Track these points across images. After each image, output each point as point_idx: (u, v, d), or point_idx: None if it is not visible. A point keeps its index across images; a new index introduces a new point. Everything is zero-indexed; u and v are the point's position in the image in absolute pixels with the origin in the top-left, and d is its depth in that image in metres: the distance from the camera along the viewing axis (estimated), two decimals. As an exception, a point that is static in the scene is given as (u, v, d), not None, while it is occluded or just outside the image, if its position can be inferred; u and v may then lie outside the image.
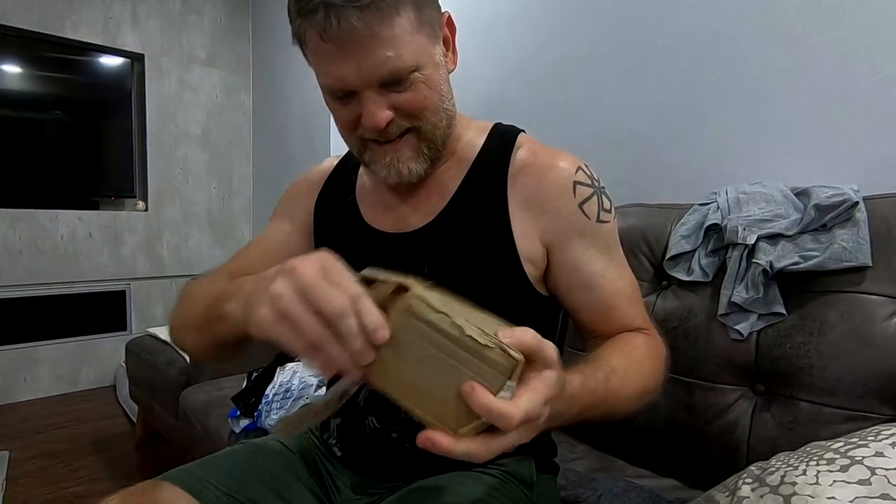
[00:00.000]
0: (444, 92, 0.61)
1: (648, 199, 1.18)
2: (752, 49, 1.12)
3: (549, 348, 0.38)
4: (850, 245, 0.80)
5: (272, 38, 2.84)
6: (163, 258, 2.88)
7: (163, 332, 1.90)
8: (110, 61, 2.69)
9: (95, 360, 2.70)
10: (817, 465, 0.51)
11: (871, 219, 0.82)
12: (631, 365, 0.57)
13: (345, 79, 0.55)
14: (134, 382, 1.91)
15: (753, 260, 0.87)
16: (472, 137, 0.69)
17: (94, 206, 2.68)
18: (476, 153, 0.68)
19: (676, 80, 1.26)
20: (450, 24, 0.63)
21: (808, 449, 0.57)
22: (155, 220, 2.84)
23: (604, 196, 0.66)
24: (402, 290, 0.38)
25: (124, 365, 2.33)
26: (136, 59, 2.75)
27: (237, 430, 1.07)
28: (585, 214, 0.63)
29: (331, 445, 0.75)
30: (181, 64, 2.87)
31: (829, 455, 0.52)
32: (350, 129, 0.60)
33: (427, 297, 0.37)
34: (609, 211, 0.66)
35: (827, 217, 0.84)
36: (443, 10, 0.61)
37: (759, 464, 0.60)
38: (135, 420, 2.09)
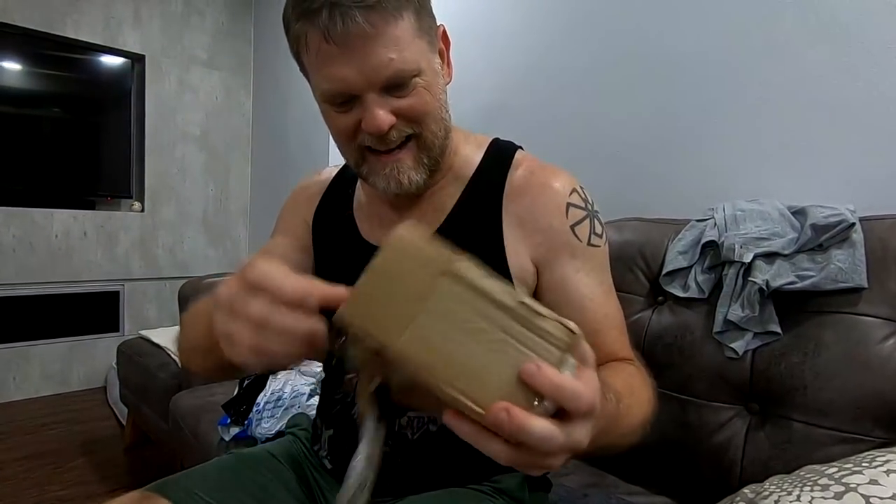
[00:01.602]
0: (442, 101, 0.61)
1: (644, 214, 1.18)
2: (750, 66, 1.13)
3: (589, 347, 0.34)
4: (846, 266, 0.80)
5: (274, 41, 2.84)
6: (157, 259, 2.86)
7: (155, 335, 1.88)
8: (110, 60, 2.68)
9: (87, 361, 2.67)
10: (811, 490, 0.51)
11: (867, 240, 0.82)
12: (633, 392, 0.55)
13: (347, 81, 0.54)
14: (125, 385, 1.89)
15: (750, 278, 0.87)
16: (470, 153, 0.69)
17: (90, 206, 2.67)
18: (473, 170, 0.68)
19: (674, 95, 1.26)
20: (444, 37, 0.63)
21: (802, 473, 0.57)
22: (150, 220, 2.83)
23: (596, 220, 0.65)
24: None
25: (115, 367, 2.31)
26: (137, 60, 2.74)
27: (227, 438, 1.06)
28: (577, 236, 0.63)
29: (321, 458, 0.74)
30: (181, 64, 2.87)
31: (823, 481, 0.51)
32: (349, 137, 0.59)
33: (474, 264, 0.32)
34: (600, 236, 0.65)
35: (823, 237, 0.85)
36: (438, 24, 0.61)
37: (753, 486, 0.60)
38: (124, 423, 2.07)
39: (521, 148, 0.70)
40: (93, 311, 2.68)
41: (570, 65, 1.49)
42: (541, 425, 0.30)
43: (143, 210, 2.81)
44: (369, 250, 0.69)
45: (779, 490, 0.54)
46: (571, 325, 0.31)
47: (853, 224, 0.83)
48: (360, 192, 0.75)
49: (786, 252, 0.88)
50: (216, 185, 3.04)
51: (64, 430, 2.16)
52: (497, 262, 0.62)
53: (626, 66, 1.36)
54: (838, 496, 0.48)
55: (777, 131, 1.09)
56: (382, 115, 0.55)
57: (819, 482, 0.52)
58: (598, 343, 0.62)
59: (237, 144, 3.09)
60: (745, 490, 0.59)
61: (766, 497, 0.54)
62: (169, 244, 2.89)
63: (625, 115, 1.36)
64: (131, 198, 2.78)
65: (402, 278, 0.32)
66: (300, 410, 1.00)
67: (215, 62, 2.98)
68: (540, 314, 0.31)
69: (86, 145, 2.64)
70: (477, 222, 0.64)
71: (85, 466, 1.84)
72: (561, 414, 0.31)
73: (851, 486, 0.48)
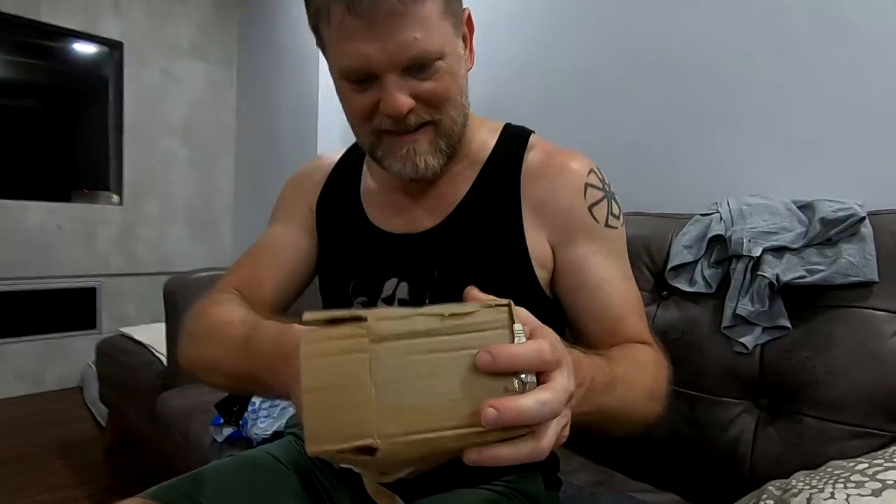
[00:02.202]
0: (463, 87, 0.59)
1: (647, 208, 1.17)
2: (757, 62, 1.12)
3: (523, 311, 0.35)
4: (856, 260, 0.80)
5: (260, 32, 2.77)
6: (138, 254, 2.77)
7: (137, 332, 1.81)
8: (88, 48, 2.58)
9: (62, 360, 2.57)
10: (845, 487, 0.49)
11: (876, 234, 0.82)
12: (638, 367, 0.54)
13: (368, 58, 0.51)
14: (105, 384, 1.82)
15: (759, 272, 0.86)
16: (485, 138, 0.68)
17: (66, 198, 2.57)
18: (488, 154, 0.66)
19: (677, 91, 1.26)
20: (469, 21, 0.61)
21: (829, 470, 0.55)
22: (131, 214, 2.73)
23: (613, 201, 0.65)
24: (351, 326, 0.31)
25: (93, 365, 2.23)
26: (115, 48, 2.65)
27: (220, 439, 1.01)
28: (594, 217, 0.62)
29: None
30: (164, 54, 2.78)
31: (855, 477, 0.50)
32: (364, 118, 0.57)
33: (385, 314, 0.31)
34: (618, 217, 0.64)
35: (832, 231, 0.84)
36: (464, 7, 0.59)
37: (777, 484, 0.58)
38: (104, 424, 1.99)
39: (533, 132, 0.69)
40: (69, 308, 2.58)
41: (571, 58, 1.47)
42: (529, 398, 0.30)
43: (121, 203, 2.71)
44: (379, 236, 0.67)
45: (808, 487, 0.53)
46: (497, 299, 0.32)
47: (863, 218, 0.82)
48: (367, 177, 0.72)
49: (794, 246, 0.87)
50: (200, 179, 2.96)
51: (40, 432, 2.07)
52: (517, 246, 0.61)
53: (630, 62, 1.34)
54: (876, 493, 0.47)
55: (782, 128, 1.09)
56: (402, 98, 0.53)
57: (851, 479, 0.50)
58: (616, 328, 0.61)
59: (222, 138, 3.02)
60: (771, 487, 0.58)
61: (795, 494, 0.53)
62: (150, 239, 2.81)
63: (627, 110, 1.35)
64: (109, 190, 2.68)
65: (335, 379, 0.30)
66: (298, 409, 0.96)
67: (200, 53, 2.90)
68: (466, 313, 0.31)
69: (61, 136, 2.54)
70: (494, 206, 0.63)
71: (64, 470, 1.77)
72: (538, 377, 0.32)
73: (889, 482, 0.47)
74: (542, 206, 0.62)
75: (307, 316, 0.31)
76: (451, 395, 0.30)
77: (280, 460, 0.70)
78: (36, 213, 2.45)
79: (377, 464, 0.33)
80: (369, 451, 0.29)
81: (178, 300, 1.43)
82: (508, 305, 0.32)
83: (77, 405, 2.36)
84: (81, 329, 2.63)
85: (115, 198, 2.71)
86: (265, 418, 0.96)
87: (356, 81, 0.54)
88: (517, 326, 0.32)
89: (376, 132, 0.57)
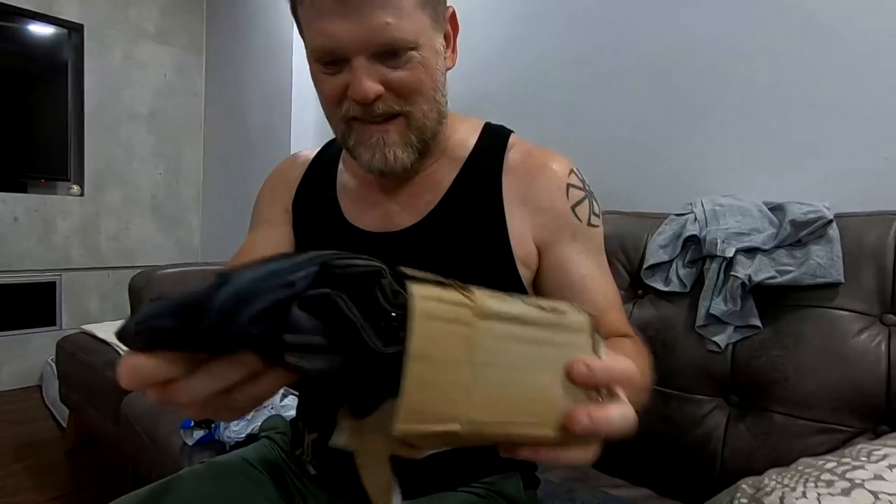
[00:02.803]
0: (438, 83, 0.58)
1: (621, 207, 1.18)
2: (732, 64, 1.15)
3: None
4: (824, 261, 0.82)
5: (229, 16, 2.68)
6: (100, 247, 2.66)
7: (100, 330, 1.74)
8: (43, 30, 2.44)
9: (19, 358, 2.45)
10: (815, 486, 0.51)
11: (842, 237, 0.84)
12: (636, 358, 0.53)
13: (339, 39, 0.51)
14: (65, 383, 1.74)
15: (732, 273, 0.88)
16: (464, 136, 0.67)
17: (21, 189, 2.44)
18: (468, 152, 0.66)
19: (653, 90, 1.27)
20: (453, 20, 0.61)
21: (800, 468, 0.57)
22: (92, 205, 2.61)
23: (594, 201, 0.66)
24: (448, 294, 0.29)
25: (51, 363, 2.13)
26: (75, 30, 2.51)
27: (190, 442, 0.98)
28: (577, 217, 0.63)
29: (304, 463, 0.70)
30: (127, 38, 2.66)
31: (826, 476, 0.52)
32: (335, 103, 0.56)
33: (487, 290, 0.30)
34: (598, 216, 0.65)
35: (802, 233, 0.87)
36: (448, 5, 0.58)
37: (750, 482, 0.60)
38: (65, 424, 1.91)
39: (512, 132, 0.69)
40: (26, 304, 2.46)
41: (548, 54, 1.47)
42: (616, 412, 0.31)
43: (82, 194, 2.59)
44: (355, 234, 0.65)
45: (780, 485, 0.54)
46: (582, 307, 0.32)
47: (831, 221, 0.85)
48: (343, 174, 0.71)
49: (766, 247, 0.89)
50: (166, 169, 2.85)
51: (-5, 432, 1.98)
52: (500, 244, 0.61)
53: (608, 60, 1.35)
54: (846, 492, 0.48)
55: (755, 129, 1.12)
56: (369, 83, 0.52)
57: (822, 478, 0.52)
58: (601, 324, 0.60)
59: (189, 126, 2.91)
60: (744, 485, 0.59)
61: (768, 493, 0.54)
62: (113, 231, 2.69)
63: (604, 108, 1.36)
64: (69, 180, 2.56)
65: (439, 350, 0.27)
66: (273, 411, 0.94)
67: (165, 37, 2.78)
68: (561, 310, 0.30)
69: (15, 122, 2.39)
70: (476, 201, 0.62)
71: (22, 473, 1.69)
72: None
73: (857, 481, 0.49)
74: (526, 202, 0.62)
75: (410, 271, 0.29)
76: (539, 390, 0.29)
77: (255, 465, 0.68)
78: (-11, 204, 2.32)
79: (390, 446, 0.31)
80: (449, 434, 0.28)
81: (144, 297, 1.38)
82: (593, 315, 0.32)
83: (36, 404, 2.26)
84: (40, 326, 2.51)
85: (76, 188, 2.58)
86: (238, 421, 0.93)
87: (327, 63, 0.54)
88: (598, 338, 0.32)
89: (346, 120, 0.57)
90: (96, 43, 2.55)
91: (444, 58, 0.59)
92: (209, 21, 2.88)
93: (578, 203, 0.63)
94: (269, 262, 0.26)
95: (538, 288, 0.64)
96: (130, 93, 2.69)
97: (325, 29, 0.51)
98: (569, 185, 0.63)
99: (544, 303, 0.30)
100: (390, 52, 0.52)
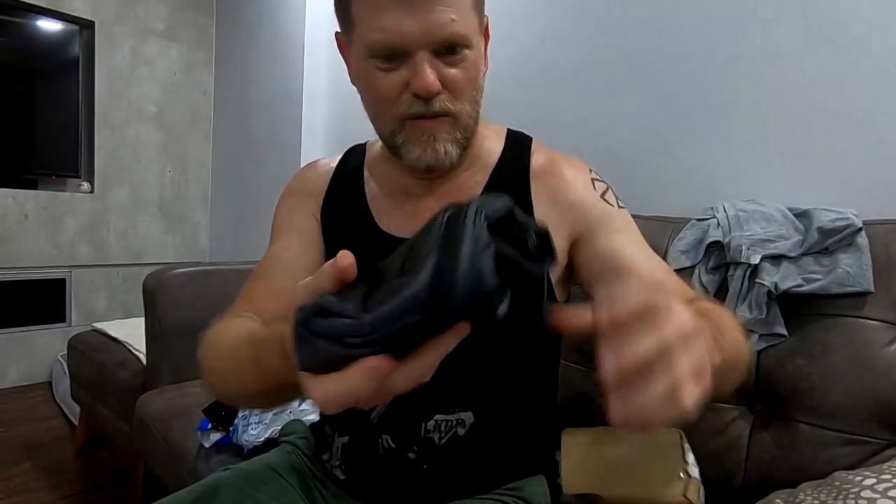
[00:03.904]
0: (480, 85, 0.61)
1: (638, 211, 1.17)
2: (751, 68, 1.13)
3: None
4: (853, 270, 0.81)
5: (238, 14, 2.67)
6: (108, 245, 2.66)
7: (112, 328, 1.74)
8: (53, 26, 2.44)
9: (27, 355, 2.46)
10: (856, 503, 0.50)
11: (870, 244, 0.83)
12: (718, 312, 0.49)
13: (403, 33, 0.52)
14: (76, 382, 1.74)
15: (757, 280, 0.87)
16: (492, 143, 0.69)
17: (32, 185, 2.44)
18: (496, 158, 0.68)
19: (671, 94, 1.26)
20: (486, 30, 0.63)
21: (836, 483, 0.56)
22: (101, 202, 2.62)
23: (615, 192, 0.69)
24: None
25: (62, 360, 2.14)
26: (86, 27, 2.51)
27: (207, 444, 0.98)
28: (608, 202, 0.66)
29: (331, 468, 0.69)
30: (136, 35, 2.65)
31: (866, 494, 0.51)
32: (391, 101, 0.56)
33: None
34: (623, 204, 0.68)
35: (830, 241, 0.85)
36: (486, 14, 0.61)
37: (784, 496, 0.59)
38: (75, 422, 1.91)
39: (532, 138, 0.72)
40: (35, 301, 2.46)
41: (565, 56, 1.46)
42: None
43: (92, 191, 2.59)
44: (389, 241, 0.65)
45: (817, 501, 0.54)
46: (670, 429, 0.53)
47: (860, 229, 0.84)
48: (370, 183, 0.71)
49: (792, 254, 0.88)
50: (174, 168, 2.85)
51: (3, 430, 1.98)
52: None
53: (625, 63, 1.34)
54: (890, 511, 0.47)
55: (776, 134, 1.10)
56: (434, 75, 0.53)
57: (863, 495, 0.51)
58: (667, 291, 0.55)
59: (197, 124, 2.90)
60: (778, 500, 0.58)
61: (805, 509, 0.53)
62: (121, 229, 2.69)
63: (621, 112, 1.35)
64: (79, 177, 2.56)
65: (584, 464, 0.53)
66: (292, 416, 0.93)
67: (174, 35, 2.77)
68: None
69: (25, 118, 2.40)
70: None
71: (31, 471, 1.69)
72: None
73: (901, 500, 0.48)
74: (556, 202, 0.64)
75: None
76: (642, 475, 0.50)
77: (280, 473, 0.68)
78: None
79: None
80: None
81: (157, 297, 1.37)
82: (679, 431, 0.48)
83: (44, 402, 2.26)
84: (50, 322, 2.51)
85: (86, 185, 2.58)
86: (256, 425, 0.92)
87: (385, 59, 0.54)
88: (688, 449, 0.48)
89: (399, 118, 0.57)
90: (105, 40, 2.55)
91: (483, 61, 0.62)
92: (218, 18, 2.87)
93: (605, 192, 0.67)
94: (448, 229, 0.27)
95: (587, 283, 0.64)
96: (138, 90, 2.68)
97: (388, 24, 0.52)
98: (593, 180, 0.67)
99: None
100: (451, 48, 0.54)
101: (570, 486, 0.52)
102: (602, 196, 0.66)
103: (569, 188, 0.65)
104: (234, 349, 0.49)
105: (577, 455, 0.52)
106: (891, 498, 0.49)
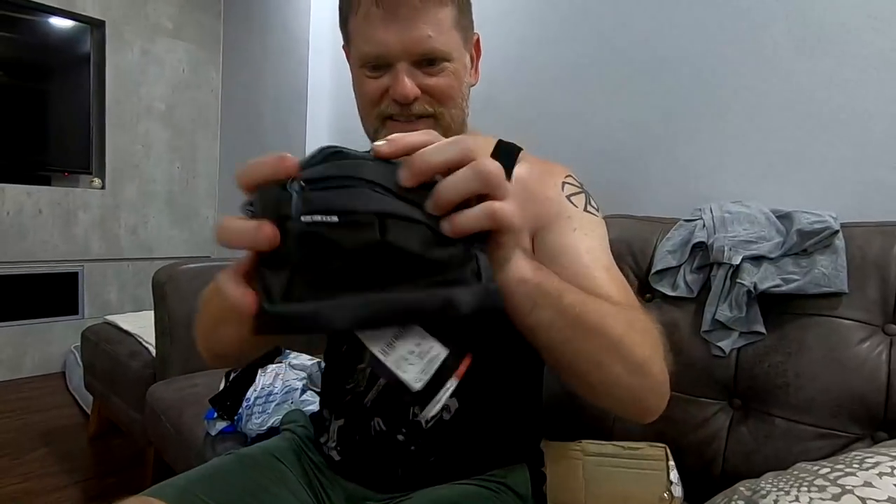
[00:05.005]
0: (464, 94, 0.66)
1: (629, 211, 1.20)
2: (739, 72, 1.16)
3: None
4: (829, 271, 0.84)
5: (245, 12, 2.71)
6: (119, 239, 2.73)
7: (123, 321, 1.80)
8: (65, 24, 2.50)
9: (42, 346, 2.54)
10: (808, 491, 0.54)
11: (847, 246, 0.86)
12: (618, 311, 0.50)
13: (386, 46, 0.59)
14: (90, 372, 1.81)
15: (738, 280, 0.91)
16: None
17: (45, 182, 2.51)
18: None
19: (663, 96, 1.29)
20: (477, 45, 0.69)
21: (795, 473, 0.60)
22: (111, 198, 2.68)
23: (591, 197, 0.69)
24: None
25: (75, 351, 2.21)
26: (96, 26, 2.57)
27: (213, 433, 1.03)
28: (572, 203, 0.66)
29: (328, 450, 0.74)
30: (145, 34, 2.71)
31: (818, 482, 0.55)
32: (374, 103, 0.63)
33: (592, 441, 0.60)
34: (596, 209, 0.68)
35: (808, 242, 0.89)
36: (475, 32, 0.67)
37: (748, 484, 0.63)
38: (88, 411, 1.98)
39: (522, 149, 0.74)
40: (49, 294, 2.54)
41: (557, 59, 1.49)
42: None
43: (103, 187, 2.66)
44: None
45: (775, 489, 0.57)
46: (655, 444, 0.69)
47: (837, 231, 0.87)
48: None
49: (772, 255, 0.91)
50: (182, 164, 2.91)
51: (19, 418, 2.06)
52: None
53: (616, 65, 1.37)
54: (836, 497, 0.51)
55: (762, 137, 1.13)
56: (410, 85, 0.60)
57: (815, 483, 0.55)
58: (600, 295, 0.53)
59: (205, 122, 2.96)
60: (741, 488, 0.62)
61: (764, 496, 0.57)
62: (131, 224, 2.76)
63: (612, 113, 1.38)
64: (91, 173, 2.62)
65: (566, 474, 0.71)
66: (293, 406, 0.98)
67: (182, 33, 2.82)
68: (638, 448, 0.66)
69: (39, 116, 2.46)
70: None
71: (46, 457, 1.76)
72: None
73: (847, 487, 0.52)
74: (524, 205, 0.63)
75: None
76: (624, 493, 0.57)
77: (279, 458, 0.72)
78: (13, 197, 2.39)
79: None
80: None
81: (166, 292, 1.43)
82: (664, 447, 0.56)
83: (58, 392, 2.34)
84: (63, 315, 2.59)
85: (97, 181, 2.65)
86: (259, 414, 0.98)
87: (373, 67, 0.62)
88: (672, 467, 0.57)
89: (381, 117, 0.64)
90: (115, 39, 2.61)
91: (469, 74, 0.68)
92: (226, 17, 2.92)
93: (574, 195, 0.67)
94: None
95: None
96: (147, 88, 2.74)
97: (374, 37, 0.59)
98: (564, 182, 0.68)
99: (627, 444, 0.56)
100: (428, 61, 0.61)
101: (554, 501, 0.56)
102: (569, 197, 0.66)
103: (536, 189, 0.66)
104: (207, 303, 0.57)
105: (561, 471, 0.54)
106: (839, 485, 0.53)
